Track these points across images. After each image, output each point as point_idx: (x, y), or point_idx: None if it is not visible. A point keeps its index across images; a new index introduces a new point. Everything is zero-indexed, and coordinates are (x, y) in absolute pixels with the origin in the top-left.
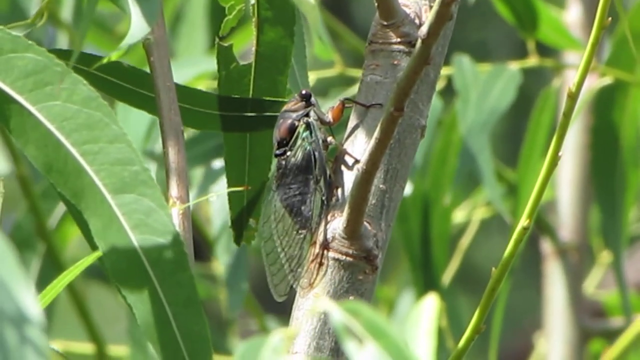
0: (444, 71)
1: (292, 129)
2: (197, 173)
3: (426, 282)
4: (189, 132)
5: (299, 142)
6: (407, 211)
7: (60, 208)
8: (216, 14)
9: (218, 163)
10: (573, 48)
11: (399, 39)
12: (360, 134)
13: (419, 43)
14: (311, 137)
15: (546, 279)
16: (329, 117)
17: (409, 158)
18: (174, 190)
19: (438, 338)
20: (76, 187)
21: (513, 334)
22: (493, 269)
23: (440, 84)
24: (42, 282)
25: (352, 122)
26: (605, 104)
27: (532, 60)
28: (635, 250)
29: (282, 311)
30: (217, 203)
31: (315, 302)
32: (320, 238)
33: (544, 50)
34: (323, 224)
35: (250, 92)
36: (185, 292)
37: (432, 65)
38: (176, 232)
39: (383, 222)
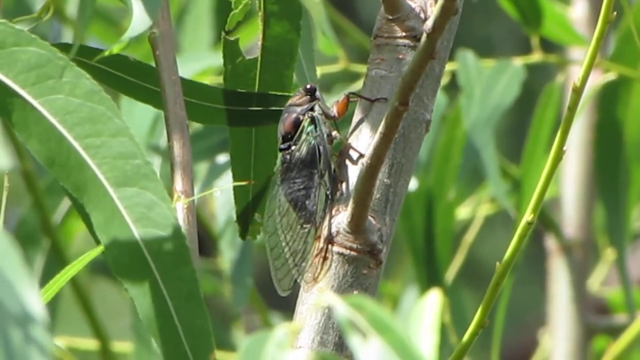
0: (448, 67)
1: (297, 123)
2: (202, 168)
3: (430, 277)
4: (194, 127)
5: (303, 136)
6: (410, 207)
7: (65, 203)
8: (222, 8)
9: (223, 158)
10: (577, 44)
11: (404, 33)
12: (365, 128)
13: (424, 37)
14: (316, 131)
15: (550, 276)
16: (334, 111)
17: (413, 152)
18: (179, 184)
19: (441, 333)
20: (78, 181)
21: (516, 330)
22: (497, 263)
23: (444, 80)
24: (46, 278)
25: (357, 116)
26: (609, 100)
27: (536, 56)
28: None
29: (286, 307)
30: (221, 198)
31: (319, 296)
32: (324, 232)
33: (548, 46)
34: (327, 218)
35: (256, 86)
36: (187, 286)
37: (437, 60)
38: (178, 226)
39: (387, 217)
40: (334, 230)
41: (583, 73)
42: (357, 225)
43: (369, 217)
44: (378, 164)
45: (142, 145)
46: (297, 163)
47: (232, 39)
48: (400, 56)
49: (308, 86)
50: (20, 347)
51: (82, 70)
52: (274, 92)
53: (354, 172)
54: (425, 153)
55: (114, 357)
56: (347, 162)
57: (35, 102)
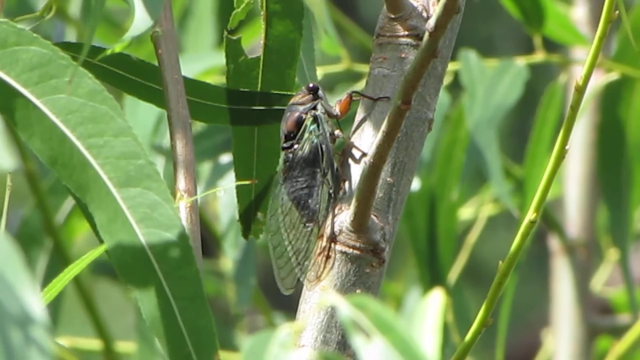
0: (451, 66)
1: (300, 122)
2: (205, 168)
3: (432, 278)
4: (197, 127)
5: (306, 135)
6: (413, 207)
7: (68, 204)
8: (225, 9)
9: (226, 158)
10: (579, 44)
11: (406, 32)
12: (367, 127)
13: (426, 36)
14: (318, 130)
15: (554, 276)
16: (337, 110)
17: (416, 151)
18: (182, 183)
19: (444, 333)
20: (81, 181)
21: (519, 330)
22: (500, 262)
23: (447, 79)
24: (49, 278)
25: (360, 115)
26: (612, 100)
27: (539, 56)
28: None
29: (290, 308)
30: (224, 198)
31: (322, 295)
32: (327, 231)
33: (549, 46)
34: (330, 217)
35: (259, 85)
36: (191, 286)
37: (440, 59)
38: (182, 226)
39: (390, 216)
40: (336, 229)
41: (585, 72)
42: (359, 224)
43: (372, 216)
44: (381, 163)
45: (146, 145)
46: (299, 162)
47: (234, 38)
48: (403, 55)
49: (311, 85)
50: (20, 348)
51: (84, 70)
52: (276, 91)
53: (356, 171)
54: (428, 153)
55: (117, 357)
56: (350, 161)
57: (37, 102)
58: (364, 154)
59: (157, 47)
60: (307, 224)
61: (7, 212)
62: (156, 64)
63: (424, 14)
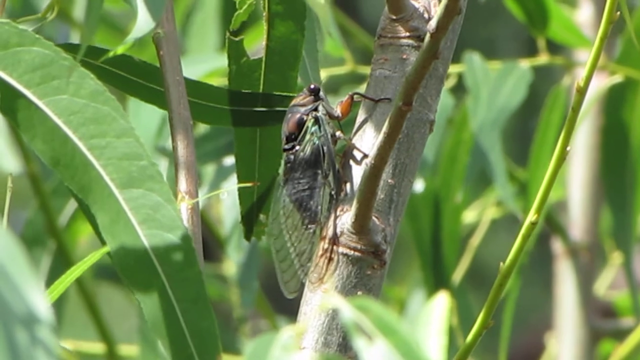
0: (455, 69)
1: (301, 124)
2: (209, 170)
3: (436, 280)
4: (201, 129)
5: (307, 136)
6: (417, 209)
7: (71, 206)
8: (228, 11)
9: (229, 160)
10: (583, 46)
11: (407, 33)
12: (368, 129)
13: (427, 37)
14: (320, 131)
15: (557, 279)
16: (338, 111)
17: (417, 153)
18: (183, 185)
19: (449, 336)
20: (83, 182)
21: (521, 331)
22: (501, 264)
23: (451, 82)
24: (52, 280)
25: (361, 116)
26: (616, 103)
27: (543, 58)
28: None
29: (293, 312)
30: (228, 200)
31: (324, 298)
32: (329, 232)
33: (552, 48)
34: (332, 218)
35: (261, 86)
36: (194, 288)
37: (441, 60)
38: (184, 227)
39: (391, 217)
40: (338, 230)
41: (587, 73)
42: (361, 225)
43: (373, 218)
44: (382, 164)
45: (149, 146)
46: (301, 163)
47: (236, 39)
48: (404, 56)
49: (312, 86)
50: (26, 348)
51: (86, 71)
52: (278, 93)
53: (357, 173)
54: (432, 155)
55: None
56: (351, 162)
57: (39, 103)
58: (365, 155)
59: (158, 48)
60: (309, 226)
61: (9, 214)
62: (158, 65)
63: (426, 15)
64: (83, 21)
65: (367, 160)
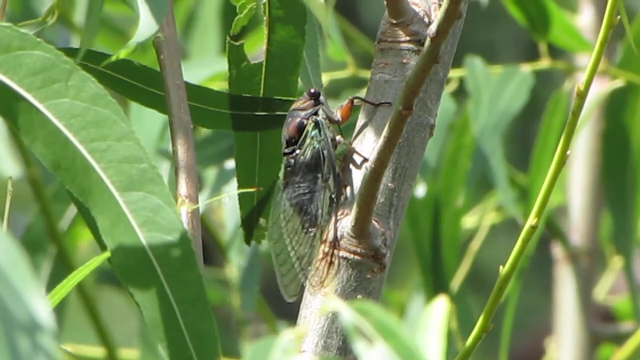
0: (457, 73)
1: (301, 128)
2: (210, 174)
3: (436, 284)
4: (202, 133)
5: (307, 140)
6: (418, 213)
7: (71, 211)
8: (229, 16)
9: (231, 164)
10: (585, 50)
11: (408, 38)
12: (369, 133)
13: (427, 41)
14: (320, 135)
15: (557, 283)
16: (338, 115)
17: (417, 157)
18: (183, 188)
19: (448, 340)
20: (84, 185)
21: (520, 335)
22: (500, 267)
23: (452, 86)
24: (53, 285)
25: (361, 120)
26: (617, 107)
27: (544, 63)
28: None
29: (294, 317)
30: (229, 204)
31: (324, 301)
32: (330, 236)
33: (553, 52)
34: (333, 222)
35: (261, 91)
36: (193, 290)
37: (441, 64)
38: (184, 230)
39: (391, 221)
40: (338, 234)
41: (587, 77)
42: (361, 229)
43: (373, 222)
44: (382, 168)
45: (151, 150)
46: (301, 167)
47: (237, 43)
48: (404, 60)
49: (312, 90)
50: (27, 354)
51: (87, 74)
52: (279, 97)
53: (357, 177)
54: (433, 159)
55: None
56: (351, 166)
57: (40, 106)
58: (365, 160)
59: (159, 52)
60: (309, 230)
61: (10, 218)
62: (158, 69)
63: (426, 20)
64: (83, 24)
65: (367, 164)
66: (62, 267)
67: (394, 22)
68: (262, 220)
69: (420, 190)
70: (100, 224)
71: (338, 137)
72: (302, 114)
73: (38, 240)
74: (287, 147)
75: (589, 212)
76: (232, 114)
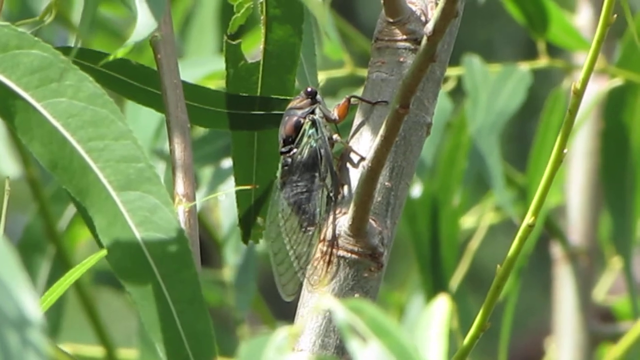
0: (454, 72)
1: (298, 127)
2: (207, 173)
3: (435, 284)
4: (199, 131)
5: (304, 139)
6: (416, 213)
7: (70, 211)
8: (226, 15)
9: (228, 162)
10: (583, 49)
11: (404, 36)
12: (365, 132)
13: (424, 40)
14: (317, 134)
15: (556, 283)
16: (335, 114)
17: (414, 155)
18: (180, 187)
19: (449, 340)
20: (81, 184)
21: (519, 335)
22: (498, 266)
23: (450, 85)
24: (51, 284)
25: (358, 119)
26: (615, 106)
27: (543, 61)
28: None
29: (292, 317)
30: (226, 203)
31: (320, 299)
32: (328, 235)
33: (552, 51)
34: (331, 220)
35: (259, 90)
36: (190, 289)
37: (438, 63)
38: (181, 230)
39: (389, 220)
40: (336, 232)
41: (584, 75)
42: (358, 228)
43: (370, 220)
44: (379, 167)
45: (147, 149)
46: (298, 166)
47: (234, 42)
48: (401, 59)
49: (309, 89)
50: (16, 350)
51: (85, 74)
52: (276, 96)
53: (355, 175)
54: (430, 159)
55: None
56: (348, 165)
57: (38, 105)
58: (363, 158)
59: (156, 51)
60: (307, 228)
61: (8, 218)
62: (155, 68)
63: (423, 18)
64: (79, 19)
65: (364, 163)
66: (61, 267)
67: (391, 20)
68: (259, 219)
69: (416, 190)
70: (98, 223)
71: (335, 136)
72: (299, 112)
73: (37, 241)
74: (284, 146)
75: (588, 212)
76: (229, 113)
